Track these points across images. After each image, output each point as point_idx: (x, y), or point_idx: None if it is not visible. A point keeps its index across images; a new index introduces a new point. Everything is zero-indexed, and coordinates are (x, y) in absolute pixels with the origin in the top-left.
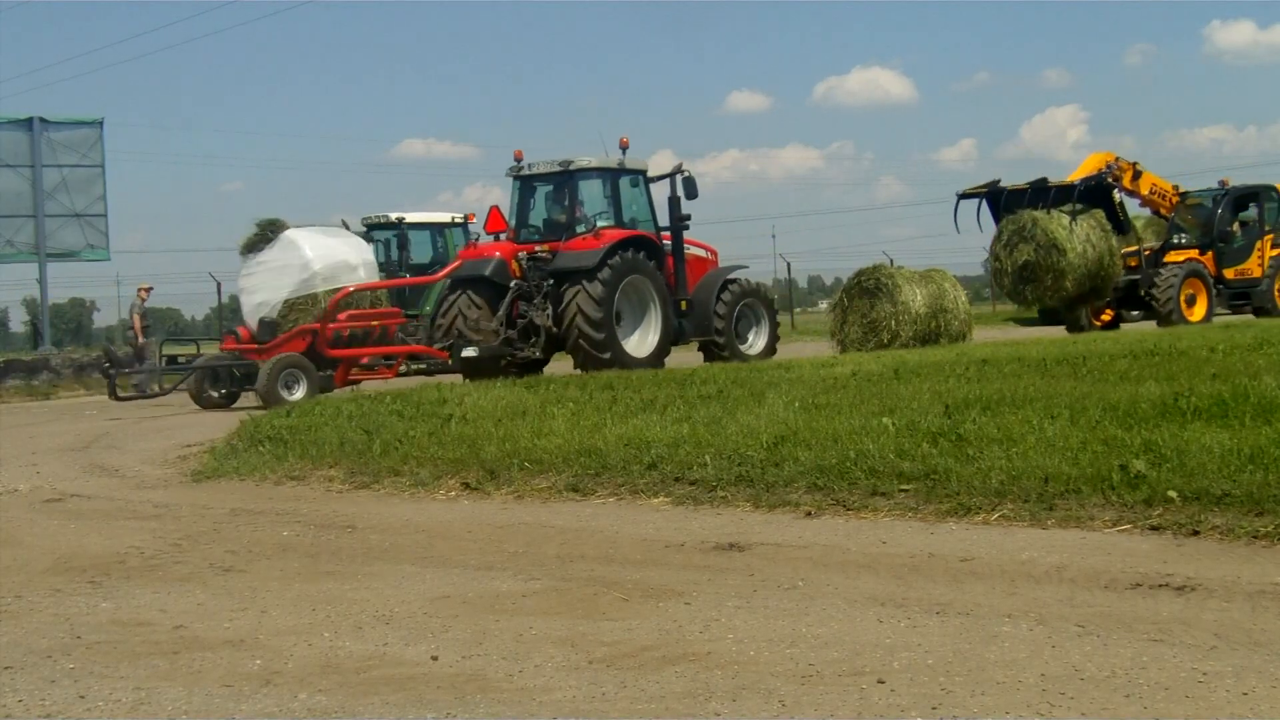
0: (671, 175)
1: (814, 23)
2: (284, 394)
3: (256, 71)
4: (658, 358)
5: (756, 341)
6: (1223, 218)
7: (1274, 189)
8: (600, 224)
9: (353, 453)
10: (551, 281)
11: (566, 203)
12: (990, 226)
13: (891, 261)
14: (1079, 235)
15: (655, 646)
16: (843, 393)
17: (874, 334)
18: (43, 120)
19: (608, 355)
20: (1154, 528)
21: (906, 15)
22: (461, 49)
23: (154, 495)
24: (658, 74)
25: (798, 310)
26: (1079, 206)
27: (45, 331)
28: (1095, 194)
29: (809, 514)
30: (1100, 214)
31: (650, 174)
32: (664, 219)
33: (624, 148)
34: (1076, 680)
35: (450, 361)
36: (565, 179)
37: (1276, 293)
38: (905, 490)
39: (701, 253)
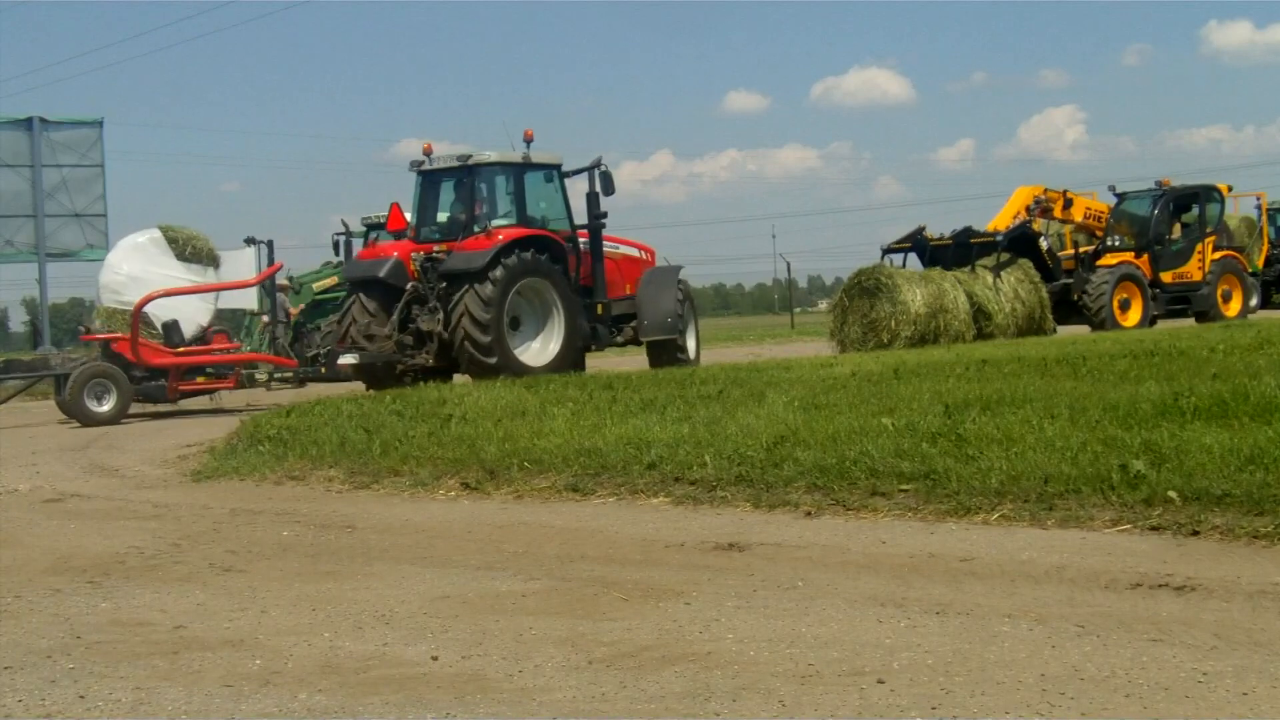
0: (590, 170)
1: (811, 23)
2: (92, 406)
3: (256, 71)
4: (559, 365)
5: (692, 349)
6: (1159, 219)
7: (1216, 190)
8: (501, 222)
9: (353, 453)
10: (445, 284)
11: (465, 200)
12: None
13: (891, 262)
14: (1006, 292)
15: (655, 646)
16: (843, 393)
17: (874, 334)
18: (43, 120)
19: (494, 362)
20: (1154, 528)
21: (903, 15)
22: (461, 49)
23: (154, 495)
24: (656, 74)
25: (798, 310)
26: (1006, 257)
27: (45, 331)
28: (1022, 241)
29: (809, 514)
30: (1028, 264)
31: (566, 169)
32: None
33: (528, 140)
34: (1076, 680)
35: (324, 370)
36: (465, 175)
37: (1219, 296)
38: (905, 490)
39: (635, 252)
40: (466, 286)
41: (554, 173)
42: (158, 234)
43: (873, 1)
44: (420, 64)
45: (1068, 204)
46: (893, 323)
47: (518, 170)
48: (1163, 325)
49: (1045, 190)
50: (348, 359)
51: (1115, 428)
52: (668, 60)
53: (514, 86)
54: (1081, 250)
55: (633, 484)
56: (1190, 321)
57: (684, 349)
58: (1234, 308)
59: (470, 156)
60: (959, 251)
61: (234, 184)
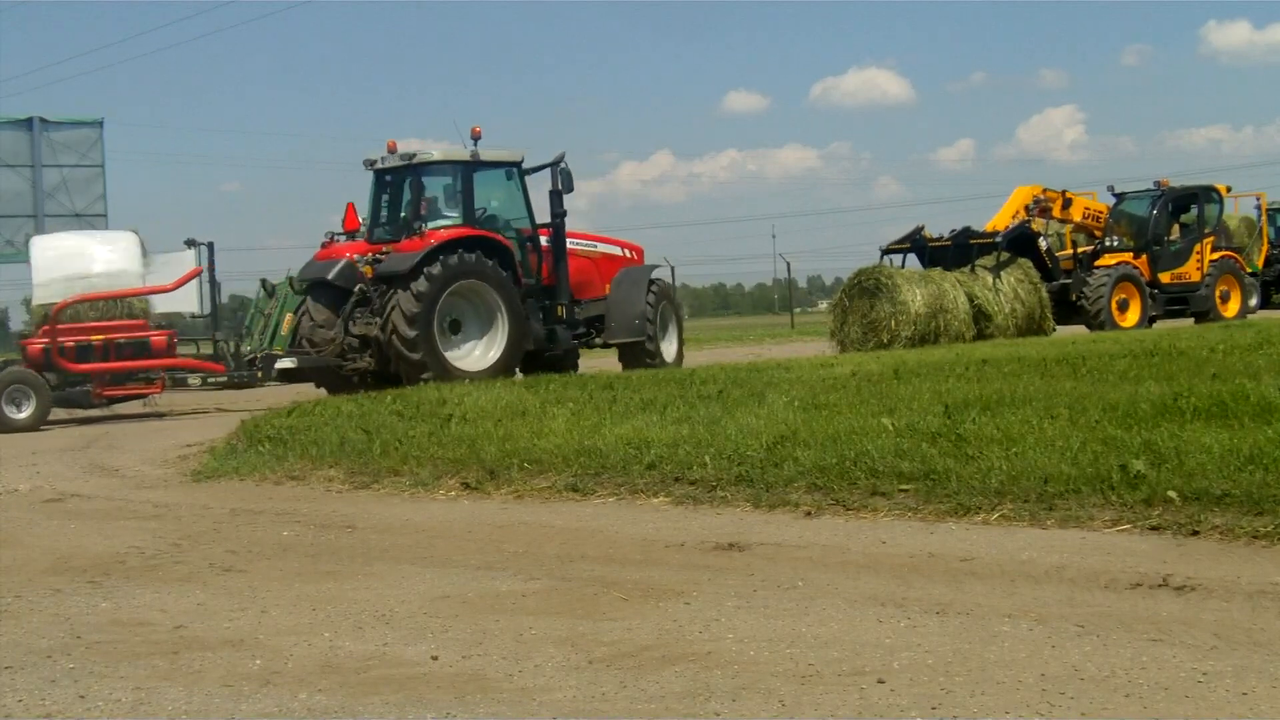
0: (552, 166)
1: (811, 23)
2: (10, 413)
3: (256, 71)
4: (501, 370)
5: (668, 347)
6: (1157, 220)
7: (1215, 190)
8: (444, 222)
9: (353, 453)
10: (383, 287)
11: (412, 199)
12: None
13: (890, 262)
14: (1006, 293)
15: (655, 646)
16: (843, 393)
17: (874, 334)
18: (43, 120)
19: (424, 367)
20: (1154, 528)
21: (903, 16)
22: (461, 49)
23: (154, 495)
24: (656, 74)
25: (797, 310)
26: (1005, 257)
27: None
28: (1021, 241)
29: (809, 514)
30: (1027, 264)
31: (526, 165)
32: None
33: (476, 138)
34: (1076, 680)
35: (260, 374)
36: (410, 173)
37: (1218, 296)
38: (905, 490)
39: (617, 251)
40: (396, 290)
41: (513, 170)
42: (87, 234)
43: (872, 2)
44: (420, 64)
45: (1066, 204)
46: (893, 323)
47: (466, 169)
48: (1161, 326)
49: (1044, 190)
50: (284, 363)
51: (1115, 428)
52: (667, 60)
53: (514, 86)
54: (1080, 251)
55: (633, 484)
56: (1189, 322)
57: (655, 352)
58: (1232, 308)
59: (415, 155)
60: (958, 252)
61: (234, 184)
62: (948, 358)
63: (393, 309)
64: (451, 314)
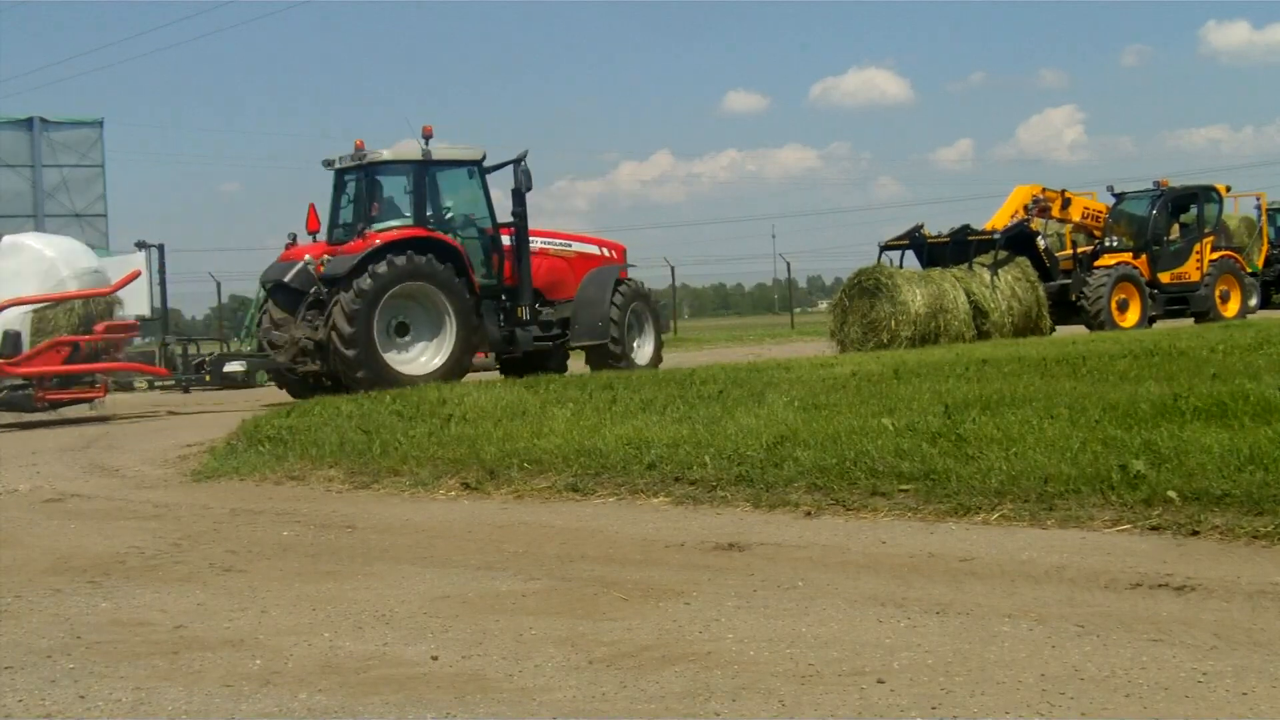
0: (514, 164)
1: (810, 23)
2: None
3: (257, 71)
4: (449, 374)
5: (642, 350)
6: (1157, 220)
7: (1214, 190)
8: (396, 223)
9: (353, 453)
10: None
11: (363, 200)
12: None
13: (890, 261)
14: (1003, 290)
15: (655, 646)
16: (843, 393)
17: (874, 334)
18: (43, 120)
19: (362, 372)
20: (1154, 528)
21: (902, 16)
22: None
23: (154, 495)
24: (655, 74)
25: (797, 310)
26: (1003, 255)
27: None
28: (1019, 240)
29: (809, 514)
30: (1025, 263)
31: (489, 163)
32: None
33: (427, 136)
34: (1076, 680)
35: (208, 378)
36: (362, 174)
37: (1217, 296)
38: (905, 490)
39: (594, 250)
40: (338, 292)
41: (474, 169)
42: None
43: (872, 2)
44: (420, 64)
45: (1066, 203)
46: (893, 323)
47: (418, 168)
48: (1161, 326)
49: (1043, 189)
50: (232, 366)
51: (1115, 428)
52: (667, 60)
53: (513, 86)
54: (1080, 251)
55: (633, 484)
56: (1188, 322)
57: (622, 355)
58: (1232, 308)
59: (365, 154)
60: (956, 249)
61: (234, 184)
62: (948, 358)
63: (332, 312)
64: (399, 317)
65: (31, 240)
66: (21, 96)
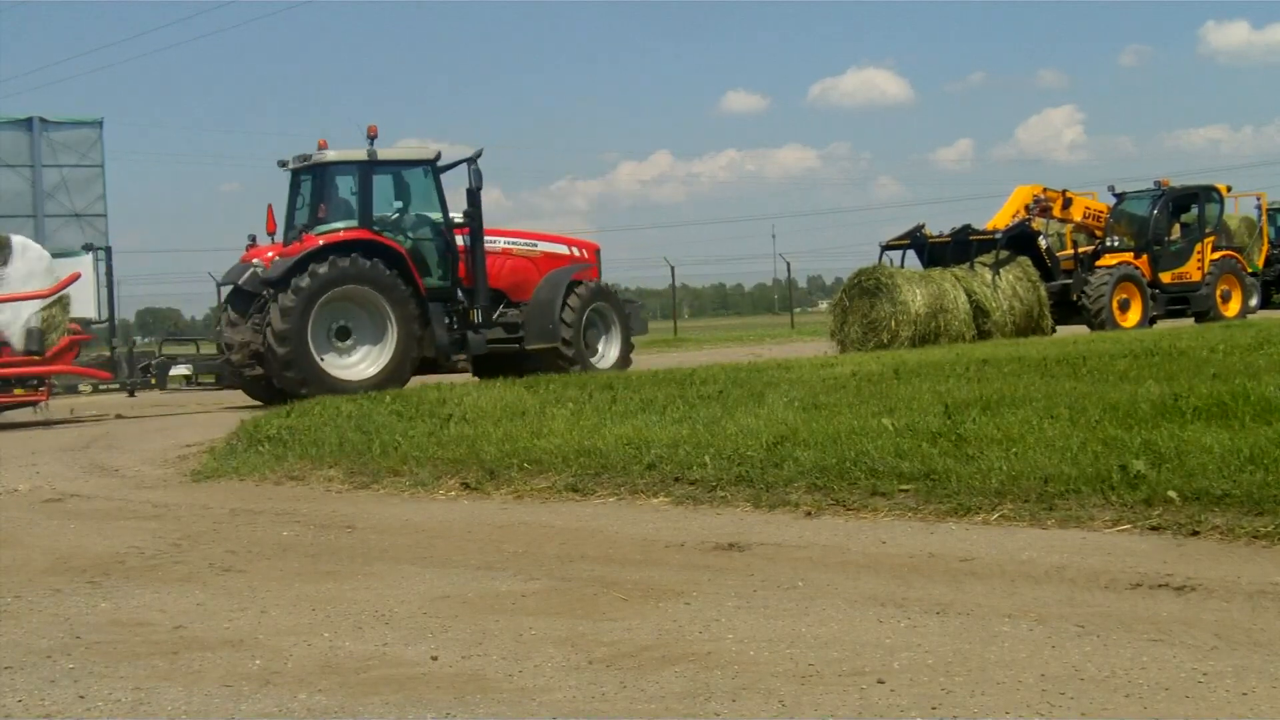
0: (467, 163)
1: (809, 23)
2: None
3: (256, 71)
4: (389, 379)
5: (608, 352)
6: (1158, 220)
7: (1215, 190)
8: (341, 225)
9: (352, 453)
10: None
11: (310, 201)
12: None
13: (890, 261)
14: (1004, 290)
15: (655, 646)
16: (843, 393)
17: (874, 334)
18: (43, 120)
19: (296, 376)
20: (1154, 528)
21: (901, 16)
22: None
23: (154, 495)
24: (654, 74)
25: (797, 310)
26: (1004, 255)
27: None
28: (1021, 240)
29: (809, 514)
30: (1026, 262)
31: (443, 162)
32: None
33: (371, 137)
34: (1076, 680)
35: (154, 381)
36: (309, 175)
37: (1218, 296)
38: (905, 490)
39: (562, 249)
40: (272, 297)
41: (427, 169)
42: None
43: (871, 2)
44: (420, 64)
45: (1067, 203)
46: (893, 323)
47: (363, 169)
48: (1162, 325)
49: (1044, 189)
50: (179, 370)
51: (1115, 428)
52: (666, 60)
53: (513, 86)
54: (1081, 250)
55: (633, 484)
56: (1189, 322)
57: (575, 358)
58: (1233, 308)
59: (309, 156)
60: (958, 249)
61: (234, 184)
62: (948, 358)
63: (269, 313)
64: (341, 320)
65: (29, 240)
66: (21, 96)
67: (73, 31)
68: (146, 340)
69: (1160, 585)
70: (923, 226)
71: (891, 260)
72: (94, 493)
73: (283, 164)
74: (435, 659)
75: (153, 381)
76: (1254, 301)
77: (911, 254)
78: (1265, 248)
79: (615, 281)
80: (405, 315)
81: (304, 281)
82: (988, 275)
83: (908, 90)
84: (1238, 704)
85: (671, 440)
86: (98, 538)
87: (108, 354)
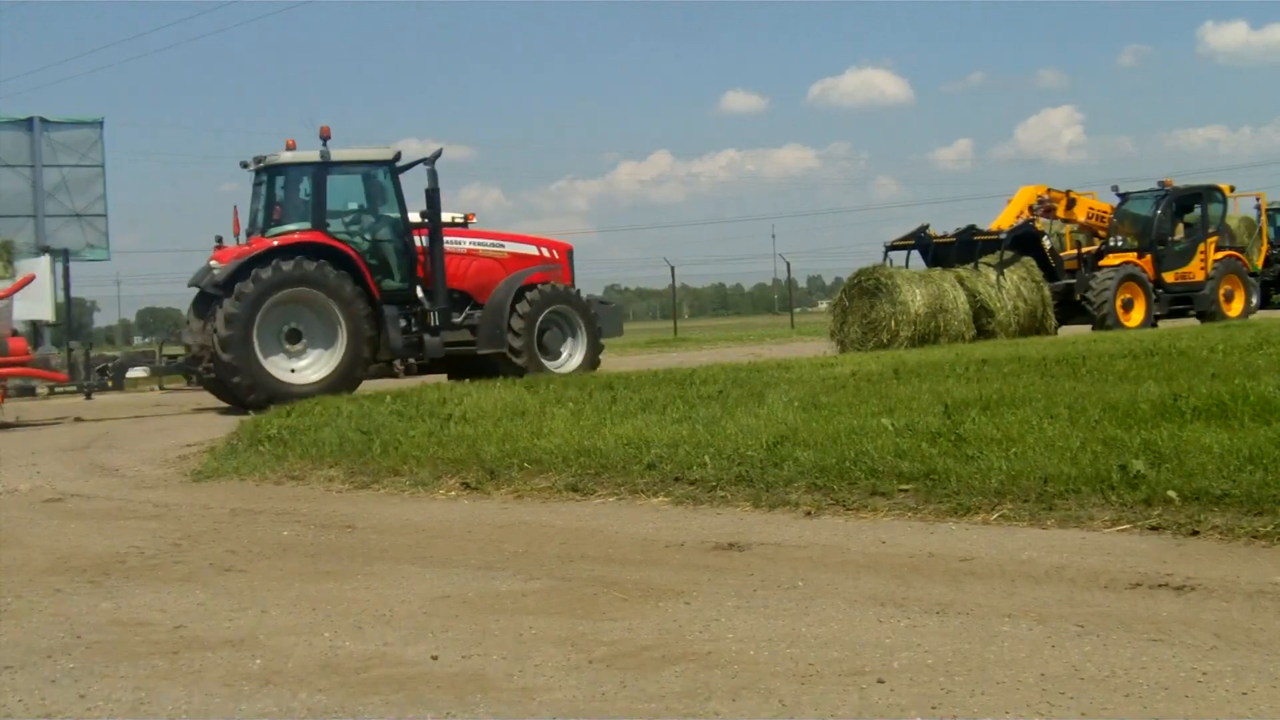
0: (425, 163)
1: (809, 23)
2: None
3: (257, 71)
4: (338, 383)
5: (572, 357)
6: (1161, 220)
7: (1219, 190)
8: (294, 227)
9: (353, 453)
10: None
11: (265, 203)
12: (917, 262)
13: (890, 262)
14: (1008, 290)
15: (655, 646)
16: (843, 393)
17: (874, 334)
18: (43, 120)
19: (238, 379)
20: (1154, 528)
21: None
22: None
23: (154, 495)
24: (654, 74)
25: (797, 310)
26: (1009, 255)
27: (45, 331)
28: (1025, 240)
29: (809, 514)
30: (1031, 262)
31: (402, 163)
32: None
33: (324, 138)
34: (1076, 680)
35: (110, 383)
36: (265, 176)
37: (1221, 296)
38: (905, 490)
39: (531, 250)
40: (218, 302)
41: (384, 170)
42: None
43: (870, 2)
44: (419, 64)
45: (1070, 204)
46: (893, 323)
47: (317, 170)
48: (1165, 325)
49: (1048, 190)
50: (135, 372)
51: (1115, 428)
52: (665, 60)
53: (513, 86)
54: (1085, 250)
55: (633, 484)
56: (1193, 321)
57: (526, 365)
58: (1236, 308)
59: (264, 158)
60: (962, 249)
61: (234, 184)
62: (948, 358)
63: (215, 317)
64: (291, 323)
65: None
66: (21, 96)
67: (73, 31)
68: (147, 340)
69: (1160, 585)
70: (927, 227)
71: (891, 262)
72: (94, 492)
73: (244, 165)
74: (435, 659)
75: (109, 384)
76: (1253, 301)
77: (915, 256)
78: (1264, 248)
79: (615, 281)
80: (354, 318)
81: (247, 287)
82: (992, 275)
83: (907, 90)
84: (1237, 704)
85: (671, 440)
86: (98, 537)
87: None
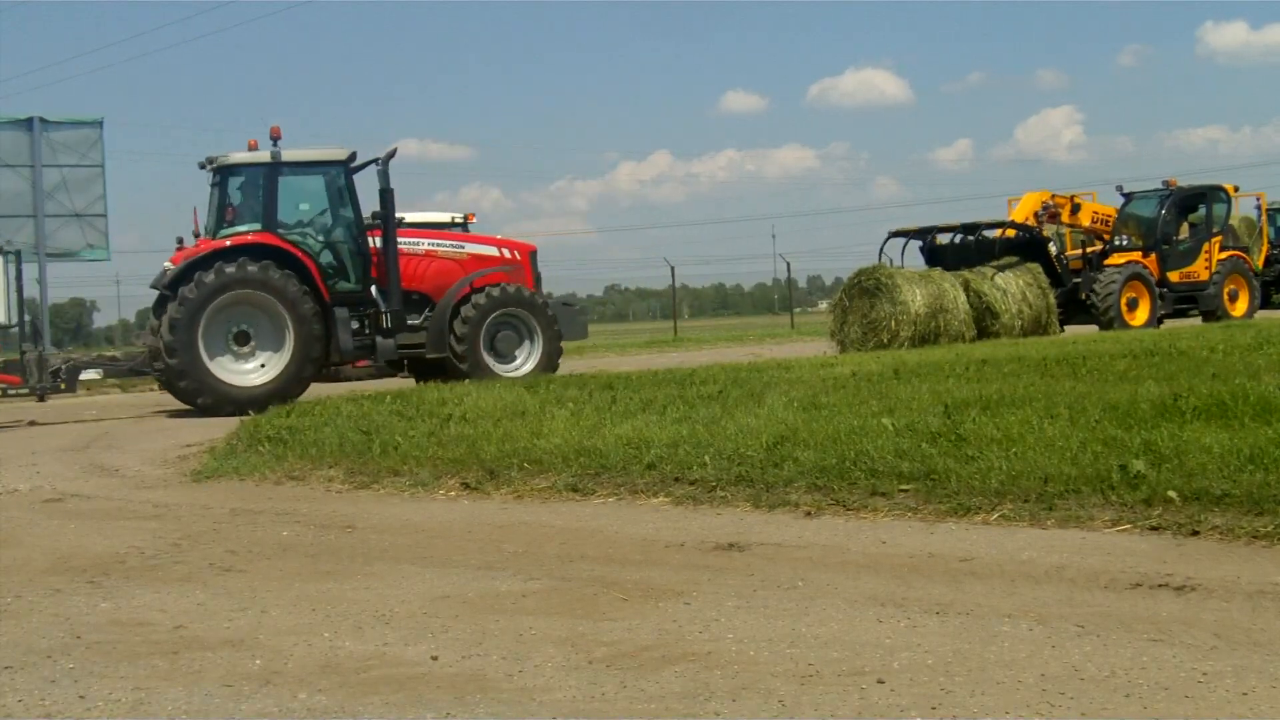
0: (376, 163)
1: (808, 23)
2: None
3: (255, 72)
4: (284, 386)
5: (526, 362)
6: (1166, 219)
7: (1223, 190)
8: (244, 228)
9: (352, 453)
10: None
11: (218, 204)
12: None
13: (890, 262)
14: (1014, 295)
15: (655, 646)
16: (843, 393)
17: (874, 334)
18: (43, 120)
19: (185, 384)
20: (1154, 528)
21: (900, 16)
22: (460, 49)
23: (154, 495)
24: (653, 74)
25: (797, 310)
26: (1013, 259)
27: (45, 331)
28: (1030, 246)
29: (809, 514)
30: (1037, 269)
31: (356, 163)
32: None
33: (275, 138)
34: (1076, 680)
35: (63, 385)
36: (218, 177)
37: (1226, 296)
38: (905, 490)
39: (491, 251)
40: (163, 305)
41: (338, 170)
42: None
43: (870, 2)
44: (419, 64)
45: (1075, 209)
46: (893, 323)
47: (268, 171)
48: (1170, 325)
49: (1053, 196)
50: (88, 374)
51: (1115, 428)
52: (665, 60)
53: (513, 86)
54: (1089, 250)
55: (633, 484)
56: (1198, 321)
57: (470, 370)
58: (1240, 307)
59: (214, 159)
60: (957, 251)
61: None
62: (948, 358)
63: (162, 320)
64: (240, 325)
65: None
66: (21, 96)
67: (73, 31)
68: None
69: (1160, 585)
70: (936, 228)
71: (891, 261)
72: (94, 493)
73: (202, 166)
74: (435, 659)
75: (62, 386)
76: (1257, 301)
77: (914, 253)
78: (1264, 248)
79: (615, 281)
80: (302, 319)
81: (190, 291)
82: (997, 278)
83: (906, 90)
84: (1238, 704)
85: (671, 440)
86: (98, 538)
87: (16, 358)
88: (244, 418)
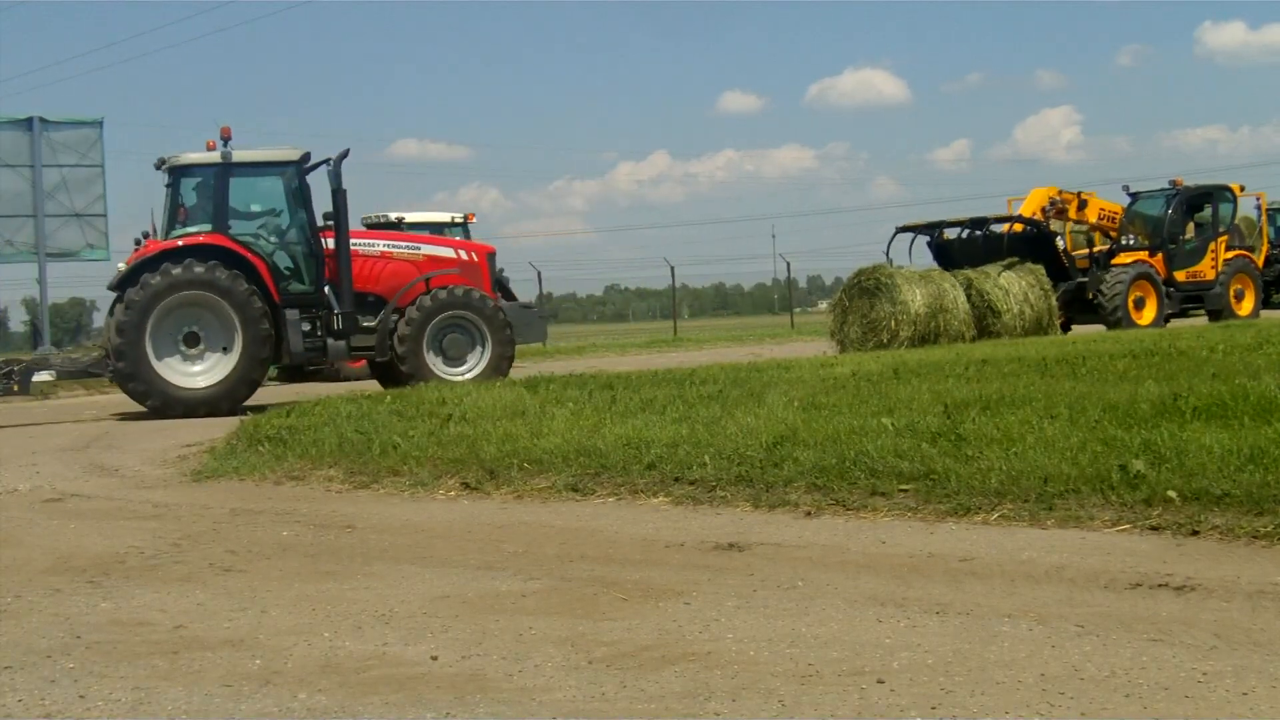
0: (327, 164)
1: (807, 24)
2: None
3: (255, 72)
4: (232, 388)
5: (477, 364)
6: (1172, 219)
7: (1229, 189)
8: (195, 229)
9: (352, 453)
10: None
11: (170, 204)
12: (922, 258)
13: (890, 261)
14: (1016, 295)
15: (655, 646)
16: (843, 393)
17: (874, 334)
18: (43, 120)
19: (134, 386)
20: (1154, 528)
21: (899, 16)
22: (460, 49)
23: (154, 495)
24: (652, 74)
25: (797, 310)
26: (1016, 260)
27: (45, 331)
28: (1037, 241)
29: (809, 514)
30: (1040, 270)
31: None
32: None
33: (225, 139)
34: (1076, 680)
35: (16, 388)
36: (170, 177)
37: (1232, 295)
38: (905, 490)
39: (448, 253)
40: (111, 308)
41: (291, 171)
42: None
43: (869, 2)
44: (419, 64)
45: (1082, 205)
46: (893, 323)
47: (218, 171)
48: (1176, 324)
49: (1060, 192)
50: (41, 375)
51: (1115, 428)
52: (664, 61)
53: (513, 86)
54: (1096, 249)
55: (633, 484)
56: (1204, 320)
57: (412, 373)
58: (1246, 307)
59: (164, 160)
60: (964, 248)
61: None
62: (948, 358)
63: (110, 322)
64: (190, 326)
65: None
66: (21, 96)
67: (73, 31)
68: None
69: (1160, 585)
70: (943, 224)
71: (893, 261)
72: (94, 492)
73: (157, 166)
74: (435, 659)
75: (15, 389)
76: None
77: (920, 251)
78: (1265, 248)
79: (615, 281)
80: (250, 321)
81: (137, 294)
82: (999, 276)
83: (905, 90)
84: (1238, 704)
85: (671, 440)
86: (98, 537)
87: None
88: (244, 418)
